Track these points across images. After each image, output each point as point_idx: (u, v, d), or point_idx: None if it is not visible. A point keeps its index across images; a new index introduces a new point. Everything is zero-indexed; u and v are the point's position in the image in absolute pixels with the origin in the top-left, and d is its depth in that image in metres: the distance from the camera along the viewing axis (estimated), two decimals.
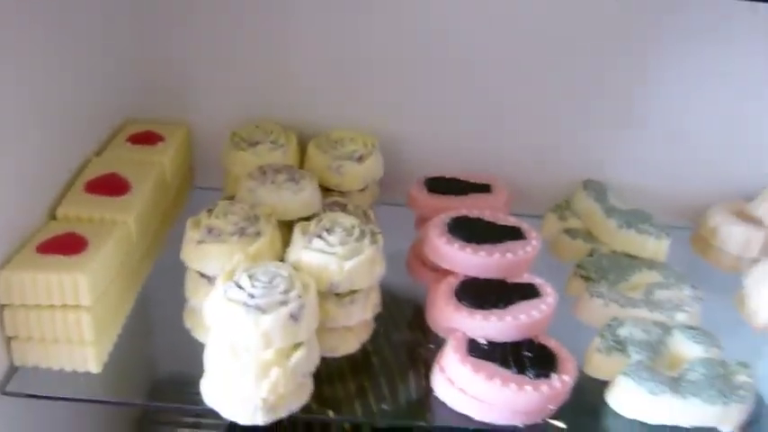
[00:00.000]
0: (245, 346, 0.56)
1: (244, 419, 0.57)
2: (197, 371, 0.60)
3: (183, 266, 0.66)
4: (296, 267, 0.62)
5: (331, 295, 0.63)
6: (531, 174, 0.90)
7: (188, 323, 0.67)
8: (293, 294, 0.57)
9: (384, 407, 0.63)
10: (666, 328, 0.68)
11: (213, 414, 0.58)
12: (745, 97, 0.85)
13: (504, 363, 0.61)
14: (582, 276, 0.76)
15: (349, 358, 0.67)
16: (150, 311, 0.73)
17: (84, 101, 0.76)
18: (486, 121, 0.88)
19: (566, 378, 0.60)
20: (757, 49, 0.82)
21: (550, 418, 0.62)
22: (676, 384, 0.62)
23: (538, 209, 0.88)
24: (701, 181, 0.90)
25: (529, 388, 0.59)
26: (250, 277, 0.58)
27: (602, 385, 0.65)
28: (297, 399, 0.59)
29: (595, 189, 0.86)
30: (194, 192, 0.92)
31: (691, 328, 0.69)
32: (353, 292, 0.63)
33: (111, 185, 0.72)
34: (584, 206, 0.85)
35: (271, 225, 0.66)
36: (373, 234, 0.65)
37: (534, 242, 0.70)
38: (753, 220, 0.85)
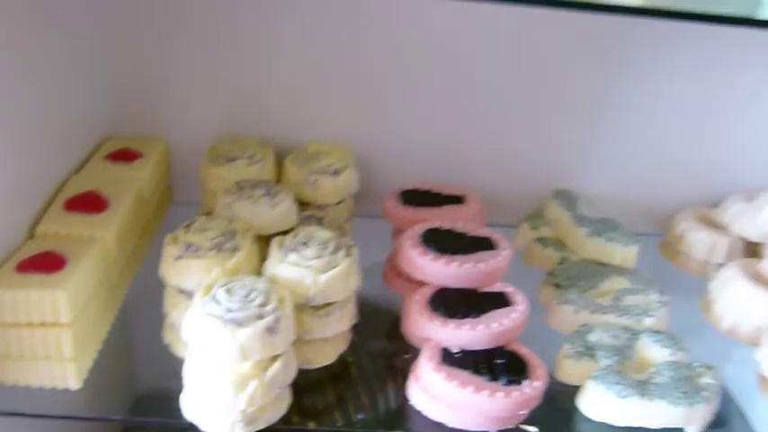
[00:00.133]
0: (223, 360, 0.57)
1: None
2: (177, 386, 0.60)
3: (162, 282, 0.67)
4: (273, 281, 0.63)
5: (307, 308, 0.64)
6: (504, 185, 0.92)
7: (167, 338, 0.68)
8: (270, 308, 0.58)
9: (361, 416, 0.65)
10: (634, 333, 0.70)
11: (193, 428, 0.59)
12: (710, 107, 0.88)
13: (477, 370, 0.62)
14: (553, 284, 0.78)
15: (328, 369, 0.68)
16: (130, 327, 0.74)
17: (62, 119, 0.77)
18: (461, 134, 0.90)
19: (536, 384, 0.62)
20: (722, 56, 0.84)
21: (523, 423, 0.64)
22: (643, 387, 0.64)
23: (512, 219, 0.90)
24: (668, 189, 0.93)
25: (501, 394, 0.61)
26: (227, 292, 0.59)
27: (574, 390, 0.67)
28: (275, 410, 0.61)
29: (566, 198, 0.88)
30: (173, 207, 0.92)
31: (657, 332, 0.71)
32: (329, 304, 0.65)
33: (89, 203, 0.73)
34: (556, 215, 0.87)
35: (248, 240, 0.67)
36: (348, 247, 0.67)
37: (505, 252, 0.72)
38: (718, 227, 0.87)
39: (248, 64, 0.86)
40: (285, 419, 0.61)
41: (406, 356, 0.69)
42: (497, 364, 0.63)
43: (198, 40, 0.84)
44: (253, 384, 0.57)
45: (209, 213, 0.75)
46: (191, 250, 0.65)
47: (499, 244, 0.73)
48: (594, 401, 0.65)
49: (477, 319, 0.66)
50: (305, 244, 0.66)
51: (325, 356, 0.68)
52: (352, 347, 0.71)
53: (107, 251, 0.70)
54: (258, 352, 0.57)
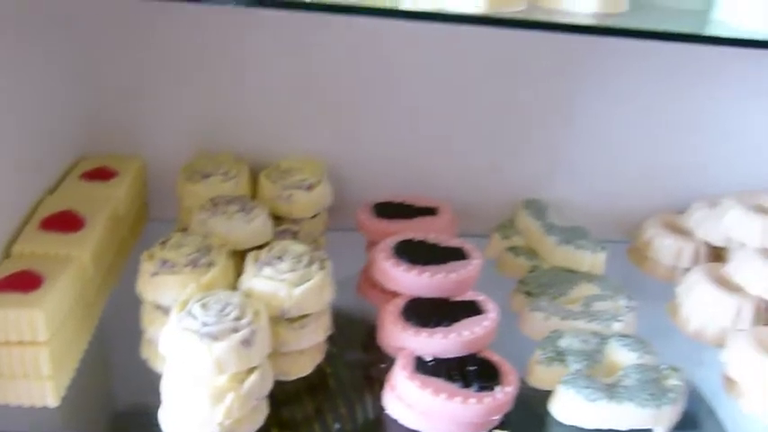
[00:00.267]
0: (200, 374, 0.58)
1: None
2: (155, 401, 0.61)
3: (138, 298, 0.68)
4: (248, 295, 0.64)
5: (282, 320, 0.65)
6: (476, 196, 0.94)
7: (145, 354, 0.69)
8: (245, 321, 0.59)
9: (338, 426, 0.66)
10: (603, 338, 0.72)
11: None
12: (672, 119, 0.90)
13: (450, 378, 0.64)
14: (524, 292, 0.80)
15: (305, 380, 0.69)
16: (107, 344, 0.74)
17: (37, 140, 0.77)
18: (432, 147, 0.92)
19: (508, 390, 0.64)
20: (686, 65, 0.87)
21: (496, 428, 0.65)
22: (612, 390, 0.66)
23: (484, 229, 0.92)
24: (635, 197, 0.95)
25: (473, 401, 0.62)
26: (203, 306, 0.60)
27: (546, 395, 0.68)
28: (253, 422, 0.62)
29: (536, 208, 0.90)
30: (150, 224, 0.93)
31: (626, 336, 0.73)
32: (304, 316, 0.66)
33: (65, 222, 0.73)
34: (526, 224, 0.89)
35: (223, 255, 0.68)
36: (322, 260, 0.68)
37: (476, 261, 0.74)
38: (684, 232, 0.90)
39: (222, 81, 0.87)
40: (263, 431, 0.62)
41: (382, 366, 0.70)
42: (470, 371, 0.65)
43: (171, 58, 0.85)
44: (230, 397, 0.58)
45: (185, 230, 0.76)
46: (166, 266, 0.66)
47: (470, 254, 0.75)
48: (565, 405, 0.66)
49: (450, 328, 0.67)
50: (279, 258, 0.67)
51: (302, 368, 0.69)
52: (329, 358, 0.72)
53: (84, 270, 0.70)
54: (234, 365, 0.58)
